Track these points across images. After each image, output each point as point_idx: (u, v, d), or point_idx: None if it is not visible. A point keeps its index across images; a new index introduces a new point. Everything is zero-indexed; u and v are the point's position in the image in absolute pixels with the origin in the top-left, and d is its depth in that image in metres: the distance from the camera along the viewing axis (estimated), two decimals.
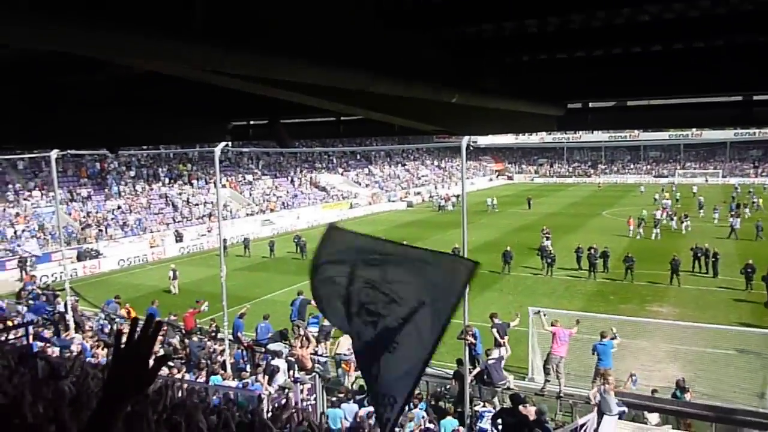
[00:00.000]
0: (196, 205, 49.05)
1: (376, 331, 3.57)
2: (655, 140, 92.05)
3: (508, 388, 13.42)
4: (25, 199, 40.76)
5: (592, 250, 28.79)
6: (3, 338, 12.20)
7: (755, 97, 5.76)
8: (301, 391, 13.93)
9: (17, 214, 38.77)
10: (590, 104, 6.52)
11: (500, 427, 10.30)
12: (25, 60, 3.73)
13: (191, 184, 52.22)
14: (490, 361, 14.07)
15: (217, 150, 15.13)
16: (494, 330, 15.15)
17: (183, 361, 15.71)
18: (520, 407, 10.06)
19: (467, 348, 14.15)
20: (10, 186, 41.28)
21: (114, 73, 4.76)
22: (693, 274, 28.29)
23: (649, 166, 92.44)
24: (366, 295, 3.65)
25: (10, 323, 16.30)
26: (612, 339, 14.11)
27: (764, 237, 36.70)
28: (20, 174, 43.14)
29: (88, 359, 14.11)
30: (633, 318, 19.44)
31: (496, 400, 13.43)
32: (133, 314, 20.78)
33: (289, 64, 2.24)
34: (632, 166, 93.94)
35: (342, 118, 7.59)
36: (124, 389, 1.56)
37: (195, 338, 17.62)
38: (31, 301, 22.88)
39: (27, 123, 6.22)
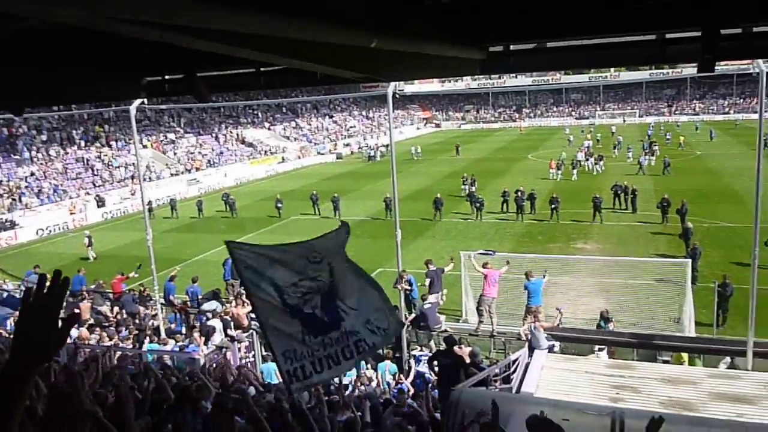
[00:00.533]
0: (117, 167, 47.04)
1: (321, 295, 4.13)
2: (576, 83, 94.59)
3: (444, 331, 13.79)
4: None
5: (519, 193, 29.60)
6: None
7: (668, 35, 5.92)
8: (239, 349, 13.90)
9: None
10: (511, 47, 6.55)
11: (437, 368, 10.60)
12: None
13: (110, 146, 49.92)
14: (425, 306, 14.38)
15: (132, 108, 14.43)
16: (427, 278, 15.41)
17: (114, 327, 15.33)
18: (455, 348, 10.37)
19: (402, 294, 14.45)
20: None
21: (12, 28, 4.41)
22: (614, 211, 29.61)
23: (570, 109, 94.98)
24: (303, 286, 4.26)
25: None
26: (542, 277, 14.66)
27: (672, 172, 38.73)
28: None
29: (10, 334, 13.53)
30: (559, 255, 20.30)
31: (432, 343, 13.80)
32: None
33: (194, 8, 2.11)
34: (555, 109, 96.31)
35: (262, 69, 7.34)
36: (32, 350, 1.46)
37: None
38: None
39: None
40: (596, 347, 12.22)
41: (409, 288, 15.39)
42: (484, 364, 11.01)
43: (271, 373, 12.21)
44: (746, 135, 57.68)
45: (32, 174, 41.98)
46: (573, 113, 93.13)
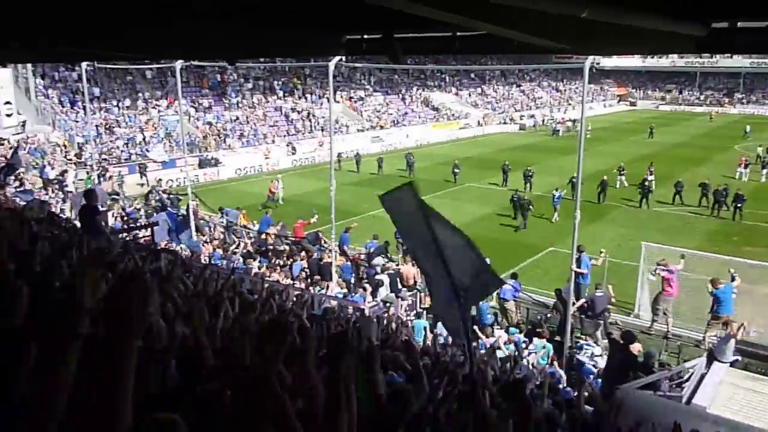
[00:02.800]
0: (308, 119, 50.04)
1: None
2: None
3: (613, 323, 13.07)
4: (153, 108, 43.30)
5: (720, 188, 26.87)
6: (131, 237, 13.25)
7: None
8: (402, 307, 14.30)
9: (147, 122, 41.36)
10: (739, 24, 5.81)
11: (599, 361, 10.11)
12: None
13: (305, 98, 53.17)
14: (597, 294, 13.69)
15: (331, 64, 15.12)
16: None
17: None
18: (629, 345, 9.75)
19: (572, 276, 13.77)
20: (140, 95, 43.89)
21: None
22: None
23: None
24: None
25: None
26: (731, 282, 13.23)
27: None
28: (149, 83, 45.65)
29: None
30: (758, 262, 18.12)
31: (598, 333, 13.16)
32: (245, 221, 21.97)
33: None
34: None
35: (458, 33, 7.26)
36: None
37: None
38: (157, 203, 24.67)
39: (152, 32, 6.42)
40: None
41: (583, 271, 14.66)
42: (656, 368, 10.27)
43: (420, 330, 12.47)
44: None
45: (237, 118, 46.11)
46: None
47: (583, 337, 13.19)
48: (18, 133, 31.33)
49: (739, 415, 7.37)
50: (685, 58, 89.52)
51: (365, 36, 8.21)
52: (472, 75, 75.64)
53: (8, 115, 30.71)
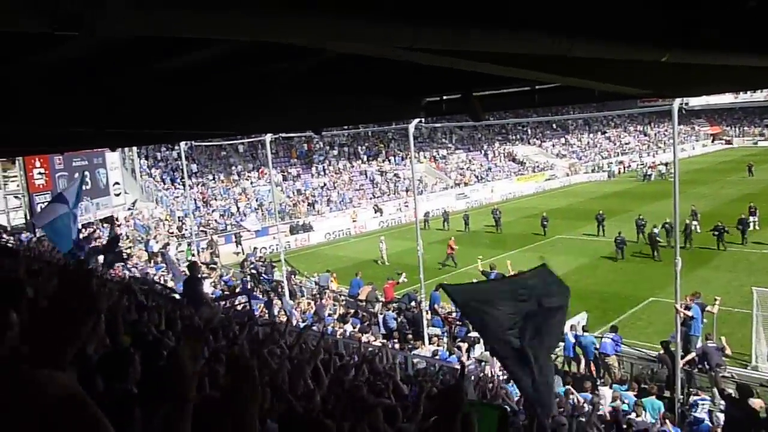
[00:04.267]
0: (394, 180, 50.93)
1: (542, 348, 4.31)
2: None
3: (730, 376, 12.15)
4: (245, 179, 45.53)
5: None
6: (228, 304, 13.77)
7: None
8: (498, 366, 13.92)
9: (240, 193, 43.45)
10: None
11: (720, 417, 9.37)
12: (235, 52, 4.07)
13: (389, 161, 54.30)
14: (709, 344, 12.83)
15: (411, 126, 15.49)
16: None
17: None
18: (749, 401, 9.02)
19: (679, 326, 12.97)
20: (233, 168, 46.35)
21: (313, 60, 5.04)
22: None
23: None
24: (524, 327, 4.58)
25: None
26: None
27: None
28: (241, 156, 48.19)
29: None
30: None
31: (714, 389, 12.25)
32: (336, 284, 22.32)
33: (481, 34, 2.17)
34: None
35: (537, 87, 7.30)
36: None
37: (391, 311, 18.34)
38: (253, 271, 25.56)
39: (242, 110, 6.86)
40: None
41: (690, 316, 13.79)
42: None
43: (514, 393, 12.02)
44: None
45: (324, 185, 47.61)
46: None
47: (695, 392, 12.31)
48: (129, 209, 33.92)
49: None
50: None
51: (444, 97, 8.42)
52: (555, 126, 74.89)
53: (117, 195, 33.14)
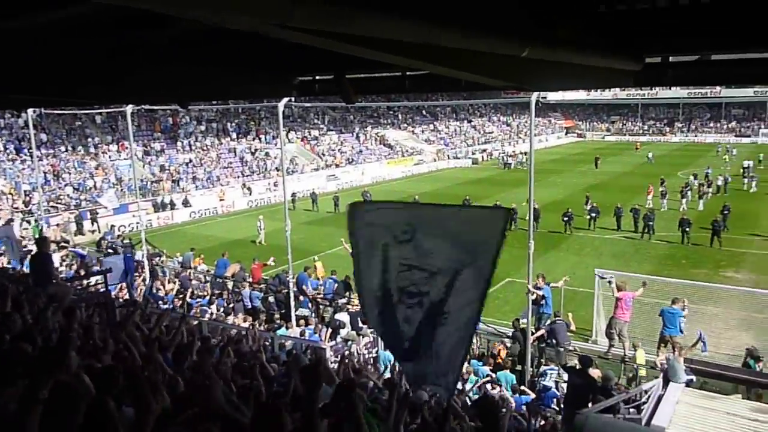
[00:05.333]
0: (263, 159, 49.98)
1: (423, 309, 3.48)
2: (738, 97, 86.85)
3: (573, 350, 13.28)
4: (103, 153, 42.60)
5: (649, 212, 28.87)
6: (84, 285, 12.92)
7: None
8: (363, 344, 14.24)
9: (97, 167, 40.61)
10: (671, 58, 6.16)
11: (565, 386, 10.23)
12: (99, 16, 3.80)
13: (259, 139, 53.17)
14: (557, 322, 13.92)
15: (281, 105, 15.23)
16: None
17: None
18: (587, 369, 9.93)
19: (530, 305, 13.98)
20: (89, 140, 43.17)
21: (182, 29, 4.82)
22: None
23: (730, 125, 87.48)
24: (404, 279, 3.53)
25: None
26: (681, 309, 13.73)
27: None
28: (99, 128, 45.00)
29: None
30: (705, 283, 18.77)
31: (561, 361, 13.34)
32: (200, 263, 21.63)
33: (356, 17, 2.19)
34: (712, 125, 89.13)
35: (408, 72, 7.48)
36: None
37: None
38: (110, 250, 24.09)
39: (103, 78, 6.41)
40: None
41: (541, 294, 14.90)
42: (614, 391, 10.46)
43: (386, 361, 12.39)
44: None
45: (190, 161, 45.70)
46: (733, 130, 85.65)
47: (544, 362, 13.36)
48: None
49: None
50: (627, 91, 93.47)
51: (317, 77, 8.38)
52: (424, 112, 77.07)
53: None
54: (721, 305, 17.07)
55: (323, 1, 2.02)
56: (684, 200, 33.95)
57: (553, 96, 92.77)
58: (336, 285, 17.66)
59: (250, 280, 19.14)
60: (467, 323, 3.38)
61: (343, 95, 7.71)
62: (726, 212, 28.40)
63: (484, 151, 69.25)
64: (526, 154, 58.93)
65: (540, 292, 14.80)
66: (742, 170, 44.23)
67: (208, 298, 17.70)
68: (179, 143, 47.45)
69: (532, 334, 13.44)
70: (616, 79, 6.12)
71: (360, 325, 14.82)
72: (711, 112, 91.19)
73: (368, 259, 3.69)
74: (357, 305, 16.06)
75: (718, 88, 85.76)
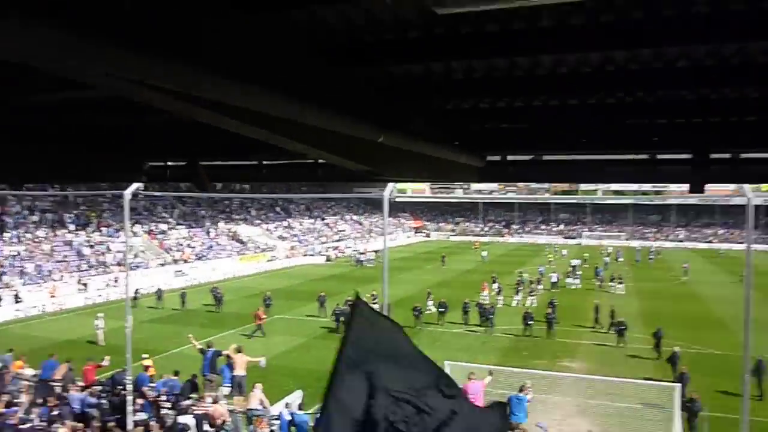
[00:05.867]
0: (103, 253, 46.71)
1: None
2: (565, 201, 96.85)
3: None
4: None
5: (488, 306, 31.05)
6: None
7: (660, 156, 6.14)
8: None
9: None
10: (509, 157, 6.76)
11: None
12: None
13: (100, 231, 49.85)
14: None
15: (127, 193, 14.36)
16: None
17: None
18: None
19: None
20: None
21: (15, 103, 4.52)
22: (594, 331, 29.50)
23: (558, 228, 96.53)
24: (392, 412, 3.03)
25: None
26: (526, 394, 14.32)
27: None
28: None
29: None
30: (546, 372, 19.89)
31: None
32: (21, 366, 19.28)
33: (219, 83, 2.18)
34: (543, 227, 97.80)
35: (264, 162, 7.50)
36: None
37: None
38: None
39: None
40: None
41: None
42: None
43: None
44: (728, 264, 58.69)
45: (18, 254, 41.57)
46: (561, 232, 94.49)
47: None
48: None
49: None
50: (469, 193, 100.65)
51: (170, 162, 8.14)
52: (278, 209, 77.24)
53: None
54: (559, 394, 18.10)
55: (189, 61, 2.00)
56: (517, 296, 36.50)
57: (402, 197, 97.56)
58: (177, 388, 16.45)
59: (82, 383, 17.26)
60: None
61: (196, 183, 7.52)
62: (552, 306, 30.58)
63: (337, 248, 70.14)
64: (378, 252, 60.56)
65: None
66: (570, 268, 48.46)
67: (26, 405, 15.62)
68: (6, 234, 43.15)
69: None
70: (464, 173, 6.59)
71: (206, 428, 13.80)
72: (542, 216, 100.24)
73: (352, 375, 3.13)
74: (204, 407, 14.99)
75: (547, 193, 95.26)
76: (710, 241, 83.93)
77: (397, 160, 4.96)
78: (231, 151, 6.97)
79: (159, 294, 36.83)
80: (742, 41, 3.12)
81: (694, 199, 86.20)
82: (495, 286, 38.78)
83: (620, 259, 62.28)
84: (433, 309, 31.13)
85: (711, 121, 5.07)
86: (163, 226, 56.60)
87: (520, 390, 14.29)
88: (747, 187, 11.11)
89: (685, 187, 5.72)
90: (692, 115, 4.85)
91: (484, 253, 64.47)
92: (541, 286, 41.17)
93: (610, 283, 42.41)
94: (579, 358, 24.93)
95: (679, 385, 16.27)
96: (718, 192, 73.08)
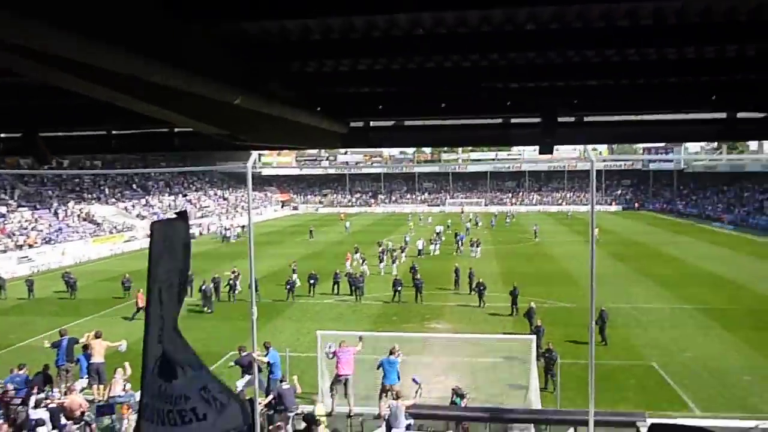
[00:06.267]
0: None
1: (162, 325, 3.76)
2: (428, 171, 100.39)
3: (301, 413, 13.27)
4: None
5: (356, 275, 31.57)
6: None
7: (513, 120, 6.48)
8: None
9: None
10: (371, 123, 6.81)
11: None
12: None
13: None
14: (284, 386, 13.82)
15: None
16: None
17: None
18: (313, 427, 9.99)
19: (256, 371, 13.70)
20: None
21: None
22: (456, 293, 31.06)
23: (423, 197, 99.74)
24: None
25: None
26: (397, 357, 14.78)
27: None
28: None
29: None
30: (412, 334, 20.66)
31: (289, 427, 13.20)
32: None
33: (53, 33, 1.96)
34: (408, 196, 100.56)
35: (114, 132, 6.98)
36: None
37: None
38: None
39: None
40: None
41: (265, 362, 14.74)
42: None
43: None
44: (576, 224, 64.00)
45: None
46: (426, 201, 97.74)
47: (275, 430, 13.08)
48: None
49: None
50: (335, 165, 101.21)
51: (2, 135, 7.38)
52: (135, 185, 72.97)
53: None
54: (428, 354, 18.90)
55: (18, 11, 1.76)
56: (381, 264, 37.32)
57: (268, 170, 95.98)
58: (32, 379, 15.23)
59: None
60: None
61: (35, 155, 6.88)
62: (413, 271, 31.88)
63: (200, 225, 67.69)
64: (244, 227, 59.24)
65: (265, 359, 14.66)
66: (434, 235, 50.33)
67: None
68: None
69: (260, 402, 13.13)
70: (327, 139, 6.55)
71: (63, 422, 12.91)
72: (407, 185, 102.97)
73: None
74: (58, 401, 14.00)
75: (412, 162, 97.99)
76: (560, 204, 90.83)
77: (257, 126, 4.82)
78: (75, 120, 6.44)
79: (1, 283, 33.54)
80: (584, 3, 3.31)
81: (544, 166, 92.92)
82: (357, 255, 39.40)
83: (480, 224, 65.67)
84: (299, 282, 31.06)
85: (557, 85, 5.37)
86: (2, 209, 51.46)
87: (390, 353, 14.70)
88: (591, 152, 12.07)
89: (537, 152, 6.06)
90: (540, 78, 5.10)
91: (347, 224, 65.35)
92: (404, 254, 42.19)
93: (471, 248, 44.45)
94: (445, 319, 26.09)
95: (535, 337, 17.51)
96: (566, 158, 79.12)
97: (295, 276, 31.43)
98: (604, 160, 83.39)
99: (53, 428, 12.72)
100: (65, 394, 13.55)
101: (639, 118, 6.07)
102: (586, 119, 6.15)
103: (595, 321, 15.24)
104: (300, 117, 5.01)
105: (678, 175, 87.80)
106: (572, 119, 6.18)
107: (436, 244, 46.77)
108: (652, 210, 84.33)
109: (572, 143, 6.81)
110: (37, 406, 13.28)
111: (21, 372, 15.50)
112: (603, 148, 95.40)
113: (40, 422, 12.73)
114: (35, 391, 14.08)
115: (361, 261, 38.03)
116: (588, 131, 6.32)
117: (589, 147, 13.13)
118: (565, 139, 6.51)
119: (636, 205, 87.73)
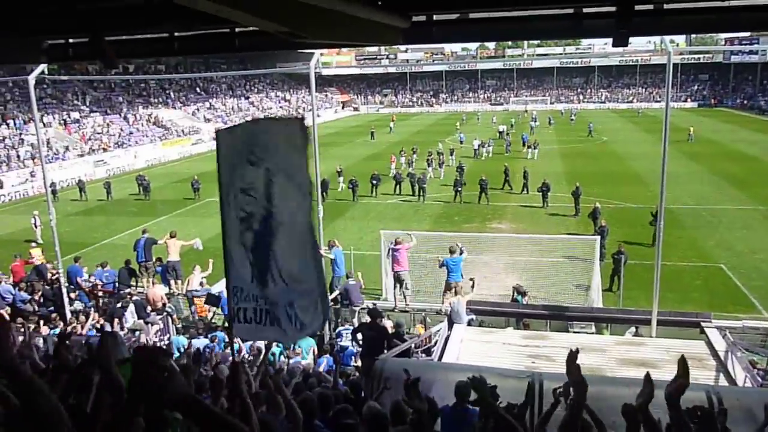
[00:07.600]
0: (14, 148, 43.96)
1: (253, 231, 3.60)
2: (492, 68, 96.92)
3: (366, 308, 13.83)
4: None
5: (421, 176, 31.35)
6: None
7: (585, 10, 6.08)
8: (152, 332, 13.41)
9: None
10: (434, 17, 6.54)
11: (360, 341, 10.59)
12: None
13: (7, 125, 46.59)
14: (350, 282, 14.35)
15: (32, 78, 13.38)
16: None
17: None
18: (378, 320, 10.39)
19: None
20: None
21: None
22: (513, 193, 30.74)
23: (486, 95, 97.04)
24: (242, 202, 3.82)
25: None
26: (460, 254, 14.98)
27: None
28: None
29: None
30: (474, 234, 20.79)
31: (355, 320, 13.80)
32: None
33: None
34: (471, 95, 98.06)
35: (176, 34, 6.99)
36: None
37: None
38: None
39: None
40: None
41: (331, 258, 15.31)
42: (406, 337, 11.12)
43: (180, 346, 11.90)
44: (646, 123, 61.29)
45: None
46: (489, 99, 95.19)
47: (341, 322, 13.77)
48: None
49: (479, 363, 8.36)
50: (395, 64, 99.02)
51: (71, 40, 7.48)
52: (198, 89, 73.92)
53: None
54: (489, 253, 19.05)
55: None
56: (430, 168, 36.22)
57: (328, 70, 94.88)
58: (114, 276, 16.37)
59: (11, 281, 16.88)
60: (302, 232, 3.36)
61: (102, 59, 6.99)
62: (460, 171, 31.28)
63: None
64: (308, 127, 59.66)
65: (331, 256, 15.18)
66: (497, 135, 49.35)
67: None
68: None
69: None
70: (388, 35, 6.35)
71: (148, 311, 13.92)
72: (469, 84, 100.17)
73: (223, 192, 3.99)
74: (140, 293, 15.03)
75: (475, 61, 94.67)
76: (630, 102, 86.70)
77: (319, 19, 4.70)
78: (137, 23, 6.43)
79: (81, 186, 35.36)
80: None
81: (615, 60, 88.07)
82: (402, 160, 39.10)
83: (537, 123, 62.65)
84: (344, 186, 31.61)
85: None
86: (76, 115, 53.38)
87: (451, 252, 14.90)
88: (668, 43, 11.31)
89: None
90: None
91: (392, 124, 65.47)
92: (452, 157, 40.97)
93: (528, 149, 43.16)
94: (507, 219, 26.04)
95: (599, 237, 17.32)
96: (640, 50, 74.63)
97: (340, 179, 32.06)
98: (681, 53, 77.86)
99: (138, 318, 13.74)
100: (148, 287, 14.50)
101: (727, 3, 5.58)
102: (666, 6, 5.71)
103: (650, 222, 14.80)
104: (359, 11, 4.86)
105: (762, 68, 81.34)
106: (650, 7, 5.75)
107: (489, 146, 44.95)
108: (731, 107, 79.22)
109: (650, 34, 6.38)
110: (122, 298, 14.31)
111: (107, 269, 16.63)
112: (680, 39, 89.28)
113: (124, 311, 13.77)
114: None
115: (406, 164, 37.79)
116: (668, 20, 5.88)
117: (667, 38, 12.25)
118: (641, 29, 6.11)
119: (713, 101, 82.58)
